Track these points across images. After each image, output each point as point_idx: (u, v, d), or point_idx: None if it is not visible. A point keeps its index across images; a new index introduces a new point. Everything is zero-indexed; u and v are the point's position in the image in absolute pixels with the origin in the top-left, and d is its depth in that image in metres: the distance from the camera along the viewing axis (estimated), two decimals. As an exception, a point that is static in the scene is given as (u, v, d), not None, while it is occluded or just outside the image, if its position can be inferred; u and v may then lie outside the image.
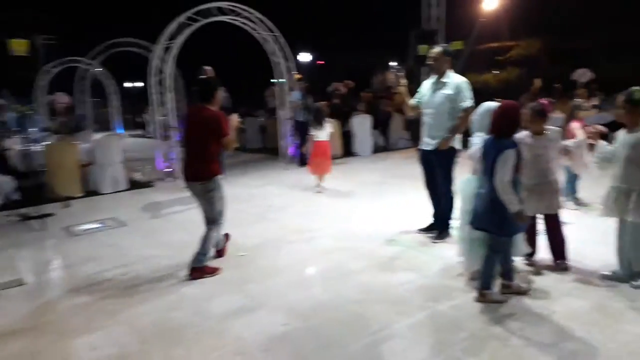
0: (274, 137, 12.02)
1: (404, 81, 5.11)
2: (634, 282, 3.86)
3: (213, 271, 4.55)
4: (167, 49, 9.36)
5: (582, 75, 13.24)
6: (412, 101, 5.21)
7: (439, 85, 4.93)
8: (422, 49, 12.38)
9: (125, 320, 3.75)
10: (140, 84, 24.07)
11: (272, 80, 10.92)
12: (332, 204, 7.25)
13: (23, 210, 7.09)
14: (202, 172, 4.38)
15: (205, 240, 4.49)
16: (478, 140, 3.92)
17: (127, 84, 30.46)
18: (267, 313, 3.71)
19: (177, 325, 3.62)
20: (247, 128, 14.86)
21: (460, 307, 3.63)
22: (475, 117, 4.13)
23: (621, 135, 3.89)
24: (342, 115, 12.78)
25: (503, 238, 3.60)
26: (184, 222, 6.50)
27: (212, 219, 4.52)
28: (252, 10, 9.82)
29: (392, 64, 18.36)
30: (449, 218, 5.12)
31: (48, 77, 16.37)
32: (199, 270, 4.47)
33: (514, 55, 23.10)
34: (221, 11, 9.48)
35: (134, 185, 9.13)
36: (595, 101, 10.76)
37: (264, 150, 13.77)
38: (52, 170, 8.16)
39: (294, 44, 12.03)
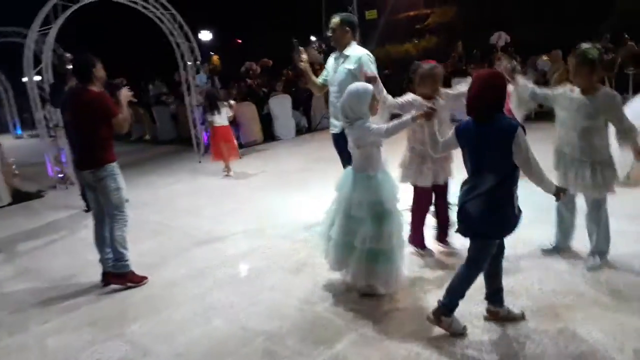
0: (187, 126, 10.95)
1: (304, 56, 4.35)
2: (590, 263, 3.47)
3: (140, 280, 4.07)
4: (44, 36, 8.03)
5: (499, 38, 13.10)
6: (318, 79, 4.47)
7: (340, 59, 4.21)
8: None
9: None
10: (38, 78, 21.70)
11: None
12: (248, 200, 6.46)
13: None
14: (92, 159, 3.94)
15: (114, 244, 4.01)
16: (369, 125, 3.16)
17: (25, 79, 27.70)
18: (151, 365, 2.91)
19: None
20: (158, 118, 13.63)
21: (385, 330, 3.00)
22: (348, 101, 3.22)
23: (575, 94, 3.33)
24: (260, 97, 11.90)
25: (495, 241, 2.82)
26: (72, 244, 5.49)
27: (110, 215, 4.00)
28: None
29: (313, 39, 17.56)
30: None
31: None
32: (120, 277, 4.03)
33: (431, 23, 23.07)
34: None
35: (19, 197, 7.84)
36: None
37: (177, 141, 12.66)
38: None
39: (196, 22, 10.89)
